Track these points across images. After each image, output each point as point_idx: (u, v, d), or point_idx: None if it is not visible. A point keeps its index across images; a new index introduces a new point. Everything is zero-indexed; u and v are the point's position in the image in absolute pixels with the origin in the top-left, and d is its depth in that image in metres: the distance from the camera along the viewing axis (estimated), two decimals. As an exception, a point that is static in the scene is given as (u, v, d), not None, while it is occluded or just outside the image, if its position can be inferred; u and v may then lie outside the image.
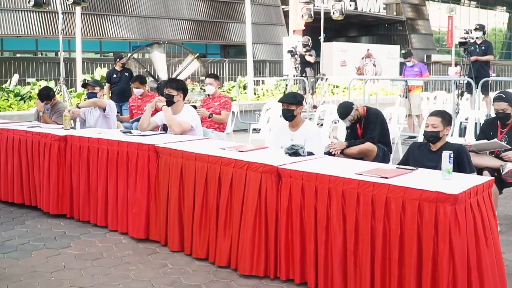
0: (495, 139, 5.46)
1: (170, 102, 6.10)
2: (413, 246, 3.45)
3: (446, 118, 4.91)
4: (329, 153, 5.88)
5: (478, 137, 5.98)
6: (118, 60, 11.70)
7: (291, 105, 5.51)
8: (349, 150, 5.93)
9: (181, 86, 6.24)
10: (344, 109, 5.90)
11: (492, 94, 12.92)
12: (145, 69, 14.77)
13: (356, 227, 3.73)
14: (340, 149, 5.80)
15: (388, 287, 3.59)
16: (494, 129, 5.67)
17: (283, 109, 5.57)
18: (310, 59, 14.80)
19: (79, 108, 7.30)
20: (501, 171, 5.24)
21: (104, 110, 7.25)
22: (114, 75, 11.60)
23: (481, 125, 6.08)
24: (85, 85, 7.50)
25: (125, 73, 11.56)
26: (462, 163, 4.60)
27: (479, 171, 5.28)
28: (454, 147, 4.88)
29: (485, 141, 5.50)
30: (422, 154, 5.00)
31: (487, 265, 3.51)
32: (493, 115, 5.98)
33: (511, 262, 4.67)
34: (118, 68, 11.62)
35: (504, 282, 3.72)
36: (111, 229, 5.53)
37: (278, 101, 5.73)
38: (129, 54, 15.73)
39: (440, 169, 3.86)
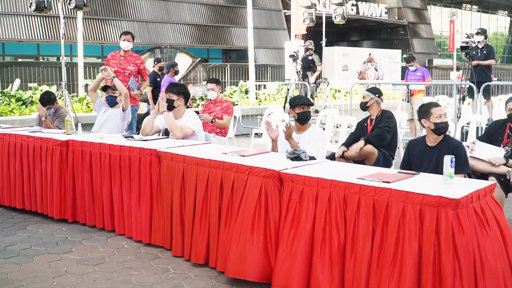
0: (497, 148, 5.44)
1: (170, 106, 6.08)
2: (412, 251, 3.44)
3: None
4: (331, 158, 5.89)
5: (482, 135, 5.96)
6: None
7: (308, 107, 5.55)
8: (349, 152, 5.99)
9: (182, 91, 6.22)
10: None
11: (493, 99, 12.94)
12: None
13: (354, 232, 3.73)
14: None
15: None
16: (502, 132, 5.66)
17: (300, 112, 5.55)
18: (319, 68, 14.93)
19: (113, 78, 7.52)
20: (508, 178, 5.22)
21: (123, 110, 7.32)
22: (158, 79, 11.61)
23: (489, 124, 6.06)
24: (105, 88, 7.48)
25: (158, 79, 11.53)
26: (457, 161, 4.58)
27: (485, 176, 5.27)
28: (452, 144, 4.88)
29: (488, 148, 5.48)
30: (421, 151, 5.02)
31: (490, 269, 3.50)
32: (494, 119, 5.97)
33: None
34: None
35: None
36: (113, 233, 5.53)
37: (295, 105, 5.61)
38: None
39: (441, 165, 3.85)
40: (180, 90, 6.22)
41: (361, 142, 6.00)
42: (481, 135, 6.07)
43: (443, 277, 3.36)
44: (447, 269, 3.34)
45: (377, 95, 6.34)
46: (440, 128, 4.93)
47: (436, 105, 5.04)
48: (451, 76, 28.08)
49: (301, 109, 5.55)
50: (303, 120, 5.59)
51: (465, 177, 4.68)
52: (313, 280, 3.90)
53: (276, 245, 4.17)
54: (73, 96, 14.20)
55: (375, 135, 6.10)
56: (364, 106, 6.32)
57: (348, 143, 6.13)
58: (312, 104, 5.62)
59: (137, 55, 8.79)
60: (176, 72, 10.90)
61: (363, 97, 6.35)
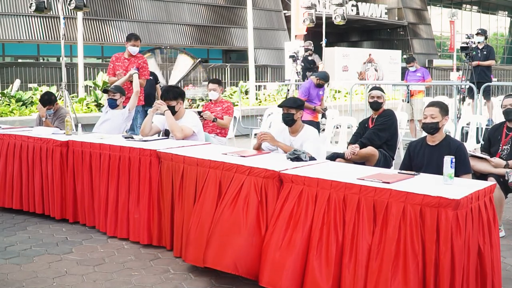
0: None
1: (173, 112, 6.07)
2: (413, 251, 3.43)
3: (443, 108, 4.93)
4: (331, 158, 5.89)
5: (484, 145, 5.95)
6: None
7: (291, 109, 5.49)
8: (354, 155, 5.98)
9: (177, 94, 6.17)
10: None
11: (493, 99, 12.94)
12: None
13: (354, 232, 3.72)
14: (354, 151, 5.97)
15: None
16: (500, 132, 5.66)
17: (283, 114, 5.54)
18: (320, 67, 14.95)
19: (132, 75, 8.00)
20: (507, 179, 5.22)
21: (129, 110, 7.35)
22: None
23: (488, 131, 6.06)
24: (106, 91, 7.47)
25: (150, 77, 11.47)
26: (458, 162, 4.57)
27: (484, 176, 5.26)
28: (454, 145, 4.86)
29: (487, 157, 5.47)
30: (422, 150, 5.01)
31: (486, 269, 3.51)
32: (495, 120, 5.97)
33: (514, 267, 4.66)
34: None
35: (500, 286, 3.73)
36: (113, 234, 5.52)
37: (278, 106, 5.71)
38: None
39: (441, 164, 3.85)
40: (175, 94, 6.14)
41: (357, 146, 6.02)
42: (483, 140, 6.06)
43: (441, 277, 3.36)
44: (444, 269, 3.34)
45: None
46: (424, 128, 4.95)
47: (429, 104, 5.03)
48: (451, 76, 28.06)
49: (285, 110, 5.54)
50: (285, 122, 5.58)
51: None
52: (310, 280, 3.89)
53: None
54: (73, 97, 14.19)
55: (366, 137, 6.12)
56: (379, 107, 6.30)
57: (354, 143, 6.15)
58: (300, 108, 5.56)
59: (140, 55, 8.78)
60: (320, 85, 10.26)
61: (378, 97, 6.30)
